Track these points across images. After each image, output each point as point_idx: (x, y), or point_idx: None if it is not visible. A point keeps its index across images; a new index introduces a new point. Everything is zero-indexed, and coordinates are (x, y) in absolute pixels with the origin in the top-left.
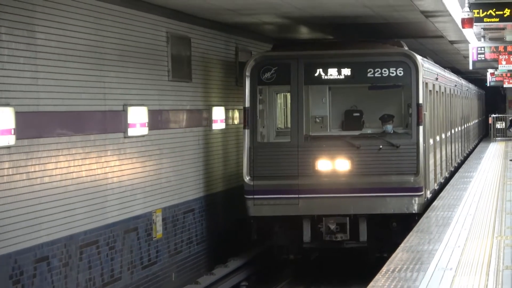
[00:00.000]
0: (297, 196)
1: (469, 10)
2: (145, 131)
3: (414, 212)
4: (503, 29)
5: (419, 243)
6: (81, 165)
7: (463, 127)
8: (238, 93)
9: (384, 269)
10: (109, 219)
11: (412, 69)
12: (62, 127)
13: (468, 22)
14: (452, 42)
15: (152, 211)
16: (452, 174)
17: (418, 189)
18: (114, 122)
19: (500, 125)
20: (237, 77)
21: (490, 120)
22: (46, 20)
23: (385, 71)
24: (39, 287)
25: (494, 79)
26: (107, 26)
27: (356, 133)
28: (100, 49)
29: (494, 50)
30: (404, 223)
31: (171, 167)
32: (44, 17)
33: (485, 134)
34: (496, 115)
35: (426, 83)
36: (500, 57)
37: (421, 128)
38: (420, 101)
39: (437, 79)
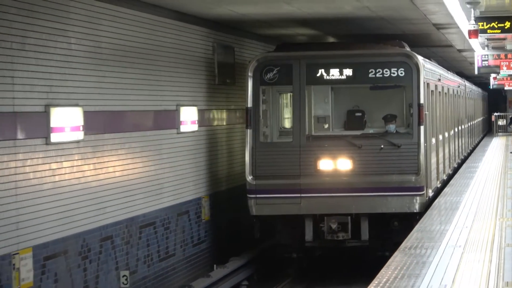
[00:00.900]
0: (299, 195)
1: (474, 23)
2: (195, 127)
3: (415, 211)
4: (504, 39)
5: (432, 224)
6: (140, 157)
7: (468, 125)
8: None
9: (402, 246)
10: (164, 204)
11: (413, 69)
12: (123, 124)
13: (473, 33)
14: (459, 51)
15: (201, 197)
16: (459, 165)
17: (419, 189)
18: (168, 120)
19: (501, 122)
20: None
21: (493, 118)
22: (110, 32)
23: (386, 71)
24: (104, 262)
25: (496, 82)
26: (163, 37)
27: (358, 133)
28: (156, 57)
29: (496, 58)
30: (406, 223)
31: (217, 159)
32: (108, 29)
33: (488, 130)
34: (498, 114)
35: (428, 84)
36: (502, 63)
37: (422, 128)
38: (421, 101)
39: (439, 80)
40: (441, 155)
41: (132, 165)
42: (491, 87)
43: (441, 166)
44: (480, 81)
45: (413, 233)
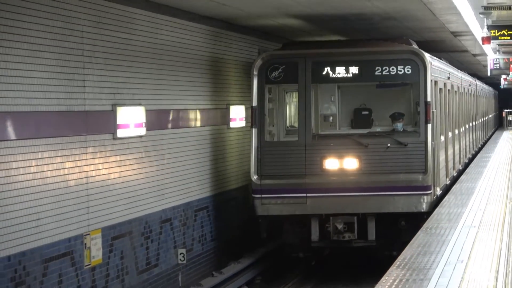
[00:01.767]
0: (304, 195)
1: (487, 31)
2: (243, 123)
3: (422, 211)
4: None
5: (450, 206)
6: (195, 150)
7: (481, 120)
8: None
9: (423, 227)
10: (215, 191)
11: (420, 67)
12: (179, 121)
13: (486, 40)
14: (474, 55)
15: (246, 185)
16: (474, 156)
17: (427, 188)
18: (219, 117)
19: (511, 117)
20: None
21: (503, 114)
22: (168, 40)
23: (393, 69)
24: (164, 241)
25: (506, 82)
26: (214, 44)
27: (364, 131)
28: (206, 62)
29: (507, 61)
30: (413, 222)
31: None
32: (166, 38)
33: (499, 125)
34: (508, 110)
35: (436, 81)
36: (511, 66)
37: (429, 126)
38: (428, 99)
39: (449, 78)
40: (450, 152)
41: (188, 157)
42: (502, 87)
43: (450, 163)
44: (492, 81)
45: (434, 215)
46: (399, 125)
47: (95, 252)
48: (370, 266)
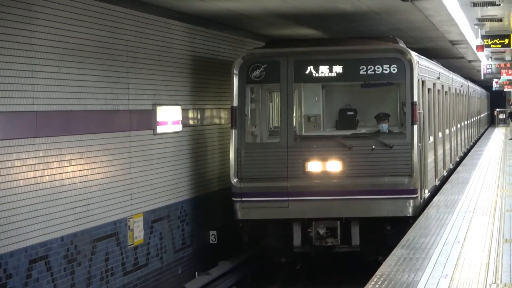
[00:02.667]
0: (286, 198)
1: (481, 40)
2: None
3: (408, 215)
4: (504, 52)
5: (448, 194)
6: (219, 145)
7: (475, 118)
8: None
9: (425, 212)
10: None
11: (406, 66)
12: (209, 119)
13: (480, 48)
14: (469, 61)
15: None
16: (468, 150)
17: (413, 191)
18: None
19: (501, 116)
20: None
21: (495, 113)
22: (202, 48)
23: (378, 68)
24: (197, 224)
25: (498, 85)
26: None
27: (348, 132)
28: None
29: (498, 66)
30: (399, 226)
31: None
32: (201, 47)
33: (491, 122)
34: (499, 109)
35: (423, 81)
36: (502, 70)
37: (415, 127)
38: (415, 99)
39: (439, 78)
40: (440, 152)
41: (215, 150)
42: (493, 89)
43: (440, 163)
44: (485, 84)
45: (434, 202)
46: (384, 126)
47: (137, 233)
48: (357, 269)
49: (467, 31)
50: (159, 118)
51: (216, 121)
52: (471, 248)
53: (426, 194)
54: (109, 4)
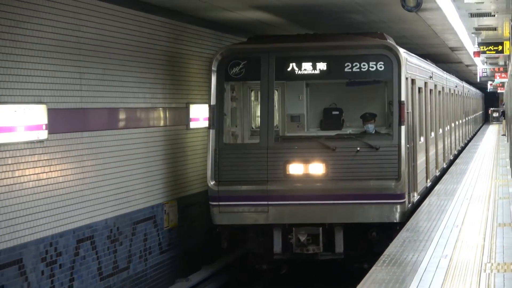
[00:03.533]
0: (266, 203)
1: (478, 46)
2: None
3: (395, 221)
4: (498, 57)
5: (448, 183)
6: None
7: (470, 117)
8: None
9: (426, 200)
10: None
11: (393, 63)
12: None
13: (477, 54)
14: (467, 66)
15: None
16: (466, 145)
17: (400, 196)
18: None
19: (495, 114)
20: None
21: (489, 112)
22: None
23: (364, 65)
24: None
25: (492, 87)
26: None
27: (332, 133)
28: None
29: (492, 70)
30: (386, 232)
31: None
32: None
33: (485, 120)
34: (493, 109)
35: (413, 80)
36: (496, 74)
37: (403, 128)
38: (403, 98)
39: (431, 77)
40: (432, 152)
41: None
42: (488, 90)
43: (432, 164)
44: (481, 86)
45: (435, 190)
46: (371, 127)
47: (172, 217)
48: (344, 273)
49: (465, 38)
50: (192, 115)
51: None
52: (468, 231)
53: (416, 197)
54: (148, 14)
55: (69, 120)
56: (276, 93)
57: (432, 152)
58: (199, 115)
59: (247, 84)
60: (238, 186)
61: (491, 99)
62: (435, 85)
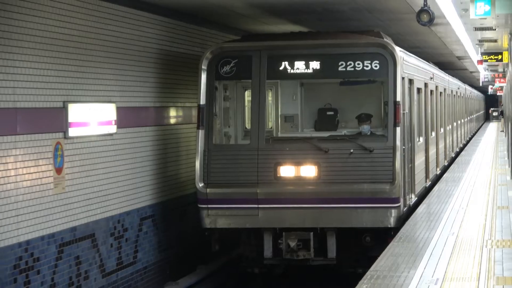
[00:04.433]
0: (256, 206)
1: (480, 56)
2: None
3: (389, 226)
4: (498, 65)
5: (455, 172)
6: None
7: (473, 116)
8: None
9: (436, 186)
10: None
11: (389, 62)
12: None
13: (480, 62)
14: (471, 72)
15: None
16: (469, 139)
17: (395, 200)
18: None
19: (495, 113)
20: None
21: (490, 111)
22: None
23: (358, 64)
24: None
25: (492, 90)
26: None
27: (325, 134)
28: None
29: (493, 76)
30: (380, 237)
31: None
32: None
33: (486, 118)
34: (493, 109)
35: (411, 80)
36: (496, 79)
37: (398, 129)
38: (398, 98)
39: (432, 78)
40: (433, 151)
41: None
42: (489, 93)
43: (432, 163)
44: (483, 89)
45: (443, 178)
46: (366, 128)
47: None
48: (336, 278)
49: (470, 49)
50: None
51: None
52: (472, 213)
53: (413, 199)
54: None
55: (133, 117)
56: (270, 92)
57: (432, 151)
58: None
59: (241, 83)
60: (227, 189)
61: (492, 101)
62: (436, 86)
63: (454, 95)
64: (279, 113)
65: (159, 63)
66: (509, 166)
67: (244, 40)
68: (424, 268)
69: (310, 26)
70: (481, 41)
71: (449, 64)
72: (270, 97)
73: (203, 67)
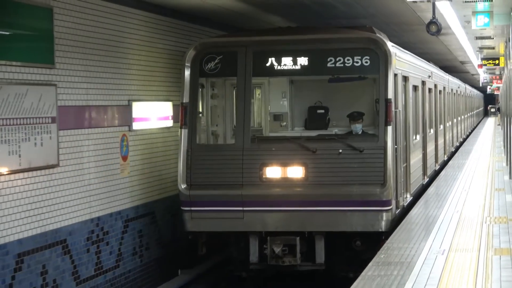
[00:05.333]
0: (241, 208)
1: (481, 61)
2: None
3: (380, 230)
4: (495, 69)
5: (458, 159)
6: None
7: (473, 112)
8: None
9: (443, 172)
10: None
11: (380, 57)
12: None
13: (480, 66)
14: (472, 74)
15: None
16: (471, 132)
17: (386, 203)
18: None
19: (493, 110)
20: None
21: (488, 108)
22: None
23: (348, 60)
24: None
25: (490, 90)
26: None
27: (314, 134)
28: None
29: (491, 78)
30: (371, 241)
31: None
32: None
33: (485, 114)
34: (491, 106)
35: (406, 77)
36: (494, 80)
37: (389, 128)
38: (389, 96)
39: (430, 77)
40: (431, 148)
41: None
42: (488, 92)
43: (431, 159)
44: (482, 89)
45: (449, 164)
46: (358, 127)
47: None
48: (330, 280)
49: (472, 55)
50: None
51: None
52: (473, 194)
53: (408, 198)
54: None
55: None
56: (259, 90)
57: (430, 148)
58: None
59: (229, 81)
60: (211, 191)
61: (490, 99)
62: (435, 85)
63: (454, 93)
64: (269, 112)
65: None
66: (504, 155)
67: (230, 36)
68: (433, 241)
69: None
70: (481, 48)
71: (454, 68)
72: (259, 95)
73: (186, 63)
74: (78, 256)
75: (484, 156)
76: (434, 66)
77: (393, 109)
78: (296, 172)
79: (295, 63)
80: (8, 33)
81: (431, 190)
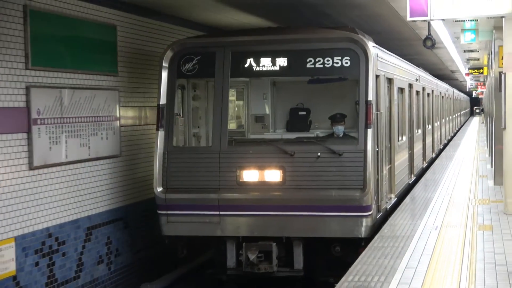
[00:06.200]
0: (217, 213)
1: (468, 70)
2: None
3: (360, 236)
4: (480, 76)
5: (448, 151)
6: None
7: (460, 113)
8: None
9: (436, 162)
10: None
11: (360, 58)
12: None
13: (467, 74)
14: (460, 81)
15: None
16: (458, 130)
17: (365, 208)
18: None
19: (477, 110)
20: None
21: (474, 109)
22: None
23: (328, 60)
24: None
25: (475, 94)
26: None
27: (293, 136)
28: None
29: (476, 84)
30: (351, 247)
31: None
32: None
33: (471, 114)
34: (476, 107)
35: (390, 79)
36: (478, 86)
37: (370, 131)
38: (370, 97)
39: (417, 80)
40: (418, 148)
41: None
42: (473, 96)
43: (418, 159)
44: (469, 93)
45: (441, 155)
46: (340, 129)
47: None
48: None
49: (460, 65)
50: None
51: None
52: (461, 180)
53: (393, 200)
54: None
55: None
56: (242, 92)
57: (418, 148)
58: None
59: (211, 82)
60: (187, 194)
61: (475, 101)
62: (424, 88)
63: (443, 96)
64: (250, 113)
65: None
66: (487, 147)
67: (208, 36)
68: (428, 218)
69: None
70: (468, 59)
71: (446, 76)
72: (240, 97)
73: (163, 64)
74: (135, 229)
75: (470, 148)
76: (423, 71)
77: (374, 111)
78: (273, 175)
79: (274, 63)
80: (81, 47)
81: (424, 177)
